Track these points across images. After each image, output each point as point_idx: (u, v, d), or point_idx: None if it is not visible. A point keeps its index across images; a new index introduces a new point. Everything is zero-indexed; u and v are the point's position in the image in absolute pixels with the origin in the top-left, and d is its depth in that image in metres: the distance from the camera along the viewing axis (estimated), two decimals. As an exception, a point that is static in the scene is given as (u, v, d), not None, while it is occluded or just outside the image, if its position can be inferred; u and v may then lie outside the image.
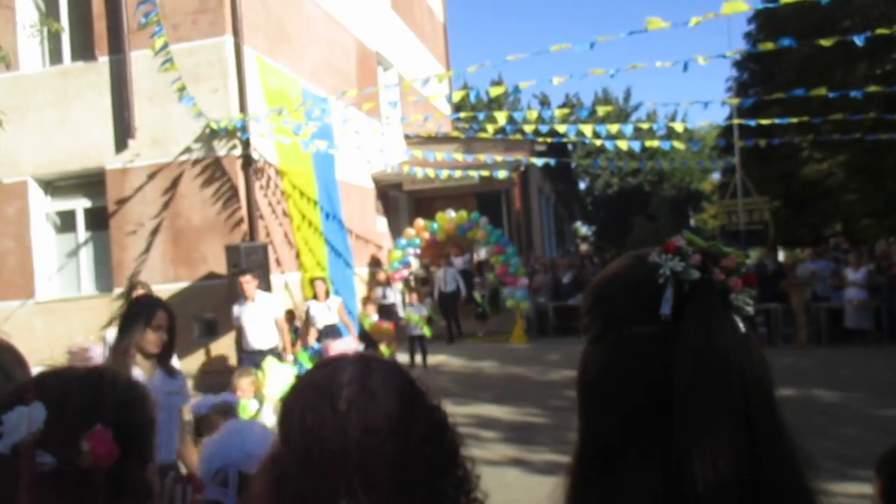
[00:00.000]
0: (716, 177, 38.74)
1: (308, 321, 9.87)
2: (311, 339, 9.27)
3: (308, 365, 7.97)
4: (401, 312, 12.10)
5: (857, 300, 11.99)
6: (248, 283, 8.00)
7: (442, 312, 14.46)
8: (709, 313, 0.87)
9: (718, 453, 0.82)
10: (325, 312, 9.71)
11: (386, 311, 12.02)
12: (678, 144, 10.28)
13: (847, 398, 8.17)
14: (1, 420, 1.05)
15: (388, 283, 12.25)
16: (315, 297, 9.91)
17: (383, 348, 10.63)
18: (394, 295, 12.17)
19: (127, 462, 1.09)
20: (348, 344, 7.64)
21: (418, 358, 11.62)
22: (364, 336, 10.47)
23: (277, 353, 7.96)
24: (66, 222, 11.39)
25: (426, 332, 11.87)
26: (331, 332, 9.51)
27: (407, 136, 16.95)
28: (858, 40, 6.59)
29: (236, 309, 8.13)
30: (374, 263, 15.21)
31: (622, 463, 0.89)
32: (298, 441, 0.99)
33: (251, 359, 7.81)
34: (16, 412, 1.05)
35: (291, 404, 1.03)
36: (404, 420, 1.01)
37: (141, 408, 1.18)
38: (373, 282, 14.01)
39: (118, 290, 10.56)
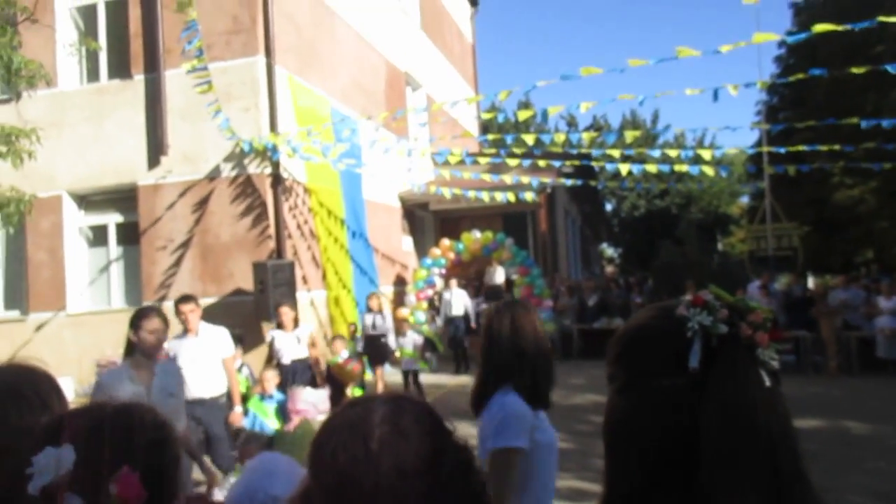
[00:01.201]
0: (744, 200, 38.37)
1: (271, 356, 8.09)
2: (271, 383, 7.14)
3: (267, 418, 6.70)
4: (393, 343, 10.84)
5: (889, 329, 11.78)
6: (193, 311, 5.99)
7: (449, 340, 13.87)
8: (736, 368, 0.89)
9: None
10: (292, 345, 7.94)
11: (374, 343, 10.66)
12: (707, 170, 10.24)
13: (877, 430, 8.01)
14: (31, 461, 1.05)
15: (379, 310, 10.83)
16: (280, 325, 8.11)
17: (350, 392, 9.03)
18: (385, 324, 10.75)
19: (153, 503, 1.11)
20: (319, 397, 6.54)
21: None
22: (329, 377, 8.76)
23: (221, 406, 6.15)
24: (98, 236, 11.59)
25: (421, 365, 11.20)
26: (298, 369, 7.84)
27: (434, 158, 17.05)
28: (892, 69, 6.52)
29: (173, 345, 5.97)
30: (400, 282, 15.26)
31: None
32: (330, 479, 1.00)
33: (190, 411, 5.62)
34: (45, 453, 1.05)
35: (323, 442, 1.05)
36: (434, 460, 1.02)
37: (168, 448, 1.18)
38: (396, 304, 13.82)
39: (147, 305, 10.71)
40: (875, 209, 22.63)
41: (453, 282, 13.99)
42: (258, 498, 1.67)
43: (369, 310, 10.87)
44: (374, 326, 10.71)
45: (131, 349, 4.03)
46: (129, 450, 1.11)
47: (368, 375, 10.29)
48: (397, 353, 10.87)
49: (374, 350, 10.58)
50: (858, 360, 12.00)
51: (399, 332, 11.30)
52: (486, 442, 2.39)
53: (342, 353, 9.26)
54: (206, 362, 5.97)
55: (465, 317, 13.68)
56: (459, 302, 13.67)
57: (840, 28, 6.07)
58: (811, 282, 22.36)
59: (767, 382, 0.90)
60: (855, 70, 6.81)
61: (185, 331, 5.99)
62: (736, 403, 0.86)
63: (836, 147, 9.29)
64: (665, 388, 0.92)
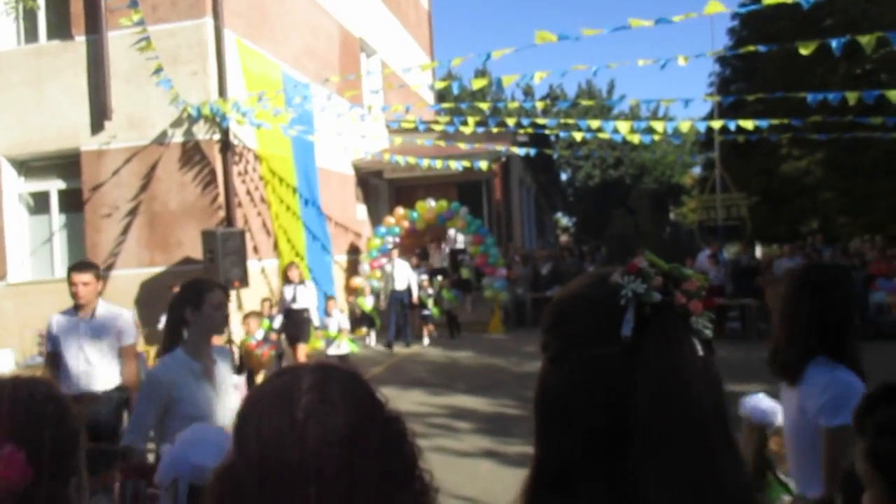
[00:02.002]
0: (697, 171, 39.00)
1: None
2: None
3: None
4: (316, 320, 9.85)
5: (829, 297, 12.13)
6: (87, 286, 4.56)
7: (392, 314, 12.81)
8: (669, 336, 0.87)
9: (675, 477, 0.82)
10: None
11: (294, 319, 9.58)
12: (658, 137, 10.32)
13: (817, 395, 8.27)
14: None
15: (300, 281, 9.68)
16: None
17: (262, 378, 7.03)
18: (307, 298, 9.61)
19: (42, 483, 1.05)
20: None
21: None
22: (240, 362, 7.54)
23: (112, 401, 4.63)
24: (39, 204, 11.23)
25: (351, 348, 9.98)
26: None
27: (388, 125, 16.87)
28: (836, 48, 6.60)
29: (55, 323, 4.65)
30: (354, 251, 15.16)
31: (578, 485, 0.89)
32: (254, 450, 0.96)
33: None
34: None
35: (247, 413, 1.01)
36: (363, 430, 0.99)
37: (59, 423, 1.12)
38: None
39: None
40: (820, 180, 23.21)
41: (395, 252, 13.34)
42: (185, 468, 1.63)
43: (288, 281, 9.84)
44: (294, 300, 9.64)
45: (179, 332, 3.04)
46: (10, 426, 1.05)
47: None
48: (320, 334, 9.90)
49: (294, 327, 9.62)
50: (801, 327, 12.35)
51: (326, 310, 10.22)
52: (812, 415, 2.18)
53: (257, 334, 8.32)
54: (100, 351, 4.64)
55: (409, 290, 12.92)
56: (402, 274, 12.90)
57: (789, 0, 6.13)
58: (759, 251, 22.93)
59: (700, 351, 0.88)
60: (802, 49, 6.87)
61: (77, 308, 4.63)
62: (667, 372, 0.85)
63: (785, 121, 9.45)
64: (597, 358, 0.90)
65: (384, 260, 14.33)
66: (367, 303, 13.51)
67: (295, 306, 9.65)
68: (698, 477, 0.82)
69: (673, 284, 0.90)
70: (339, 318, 10.01)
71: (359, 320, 13.18)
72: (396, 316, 12.66)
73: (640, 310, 0.88)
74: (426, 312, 13.46)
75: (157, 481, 1.68)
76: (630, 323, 0.88)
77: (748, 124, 9.17)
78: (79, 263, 4.83)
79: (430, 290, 13.64)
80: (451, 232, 15.77)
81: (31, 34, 11.05)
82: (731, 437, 0.88)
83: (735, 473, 0.86)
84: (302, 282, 9.76)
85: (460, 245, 15.78)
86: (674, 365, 0.85)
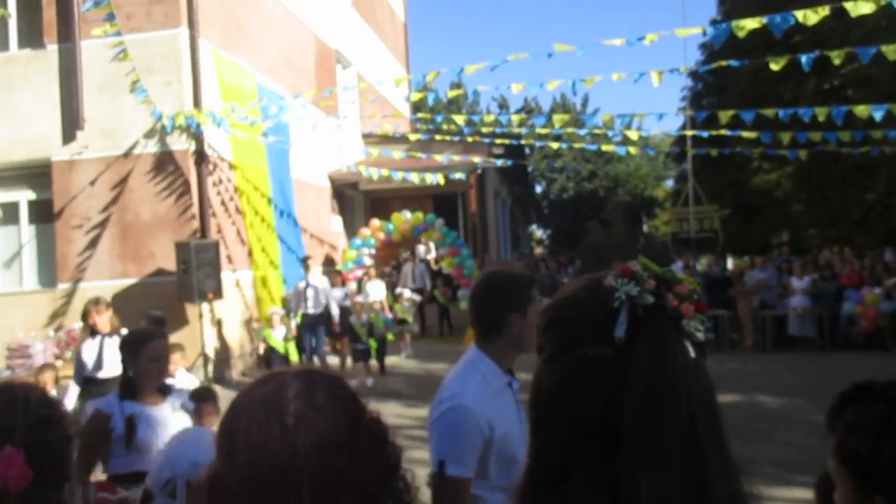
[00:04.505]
0: (669, 184, 39.47)
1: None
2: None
3: None
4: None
5: (800, 308, 12.33)
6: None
7: (302, 343, 10.68)
8: (661, 338, 0.89)
9: (664, 476, 0.83)
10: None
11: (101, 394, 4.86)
12: (633, 150, 10.45)
13: (789, 404, 8.39)
14: None
15: (113, 330, 5.60)
16: (93, 328, 5.42)
17: None
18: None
19: (41, 484, 1.05)
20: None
21: None
22: None
23: None
24: (8, 214, 11.03)
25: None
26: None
27: (364, 136, 16.87)
28: (806, 63, 6.77)
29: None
30: (329, 263, 15.09)
31: (571, 483, 0.89)
32: (244, 458, 0.96)
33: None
34: None
35: (234, 421, 1.00)
36: (350, 433, 1.00)
37: (56, 426, 1.14)
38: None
39: (62, 286, 10.28)
40: (790, 193, 23.60)
41: (313, 264, 10.96)
42: (181, 465, 1.63)
43: (93, 332, 5.59)
44: (99, 365, 5.43)
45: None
46: (10, 428, 1.06)
47: None
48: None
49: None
50: (772, 337, 12.54)
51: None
52: None
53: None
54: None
55: (326, 314, 10.60)
56: (321, 294, 10.56)
57: (758, 24, 6.25)
58: (730, 263, 23.22)
59: (692, 353, 0.90)
60: (773, 65, 7.01)
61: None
62: (659, 373, 0.86)
63: (755, 134, 9.63)
64: (591, 359, 0.91)
65: (360, 269, 14.25)
66: (276, 335, 10.54)
67: (101, 375, 5.38)
68: (686, 475, 0.84)
69: (665, 287, 0.91)
70: (186, 382, 5.88)
71: (267, 361, 10.68)
72: (304, 348, 10.55)
73: (633, 312, 0.90)
74: (360, 346, 10.57)
75: (151, 481, 1.68)
76: (623, 324, 0.89)
77: (720, 133, 9.34)
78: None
79: (365, 317, 10.73)
80: (407, 268, 14.84)
81: (1, 43, 10.89)
82: (723, 439, 0.90)
83: (726, 473, 0.87)
84: (116, 331, 5.53)
85: (417, 284, 14.54)
86: (665, 366, 0.87)
